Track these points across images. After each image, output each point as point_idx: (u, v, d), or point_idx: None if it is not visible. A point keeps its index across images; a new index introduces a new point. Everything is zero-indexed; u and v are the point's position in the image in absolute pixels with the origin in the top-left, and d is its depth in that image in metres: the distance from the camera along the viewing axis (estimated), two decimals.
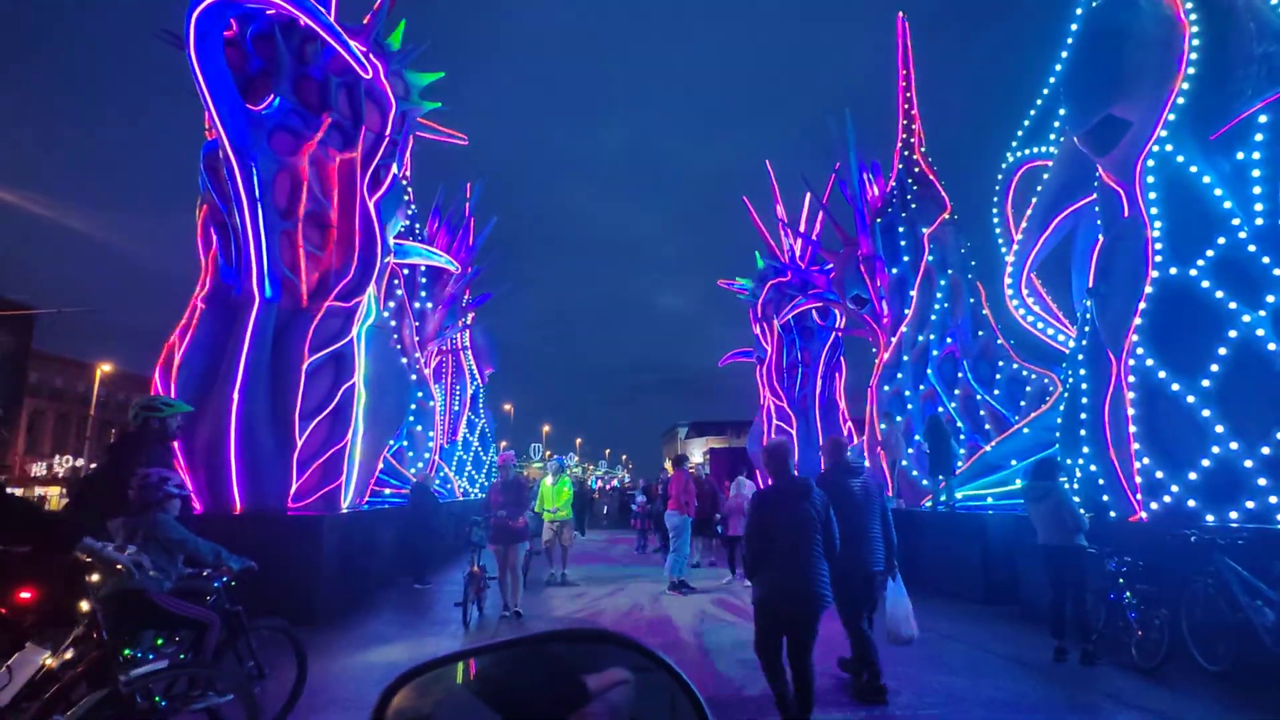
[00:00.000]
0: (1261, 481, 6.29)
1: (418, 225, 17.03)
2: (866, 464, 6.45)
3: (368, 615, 8.66)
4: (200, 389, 8.71)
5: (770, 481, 4.69)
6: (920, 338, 13.54)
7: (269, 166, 9.31)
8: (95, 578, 3.65)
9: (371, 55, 10.30)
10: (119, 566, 3.64)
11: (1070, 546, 6.53)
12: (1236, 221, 6.93)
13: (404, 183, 13.50)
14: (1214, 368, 6.70)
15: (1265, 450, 6.32)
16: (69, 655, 3.51)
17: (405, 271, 15.33)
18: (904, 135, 14.96)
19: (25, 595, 4.40)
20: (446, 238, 17.68)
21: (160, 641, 4.13)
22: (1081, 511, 6.71)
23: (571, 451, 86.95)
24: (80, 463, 42.47)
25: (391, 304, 14.16)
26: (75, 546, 3.83)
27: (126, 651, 3.89)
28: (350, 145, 10.06)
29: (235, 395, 8.60)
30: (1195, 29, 7.31)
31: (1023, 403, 12.41)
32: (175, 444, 5.73)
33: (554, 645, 1.02)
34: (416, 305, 16.20)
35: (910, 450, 12.96)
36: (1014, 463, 10.99)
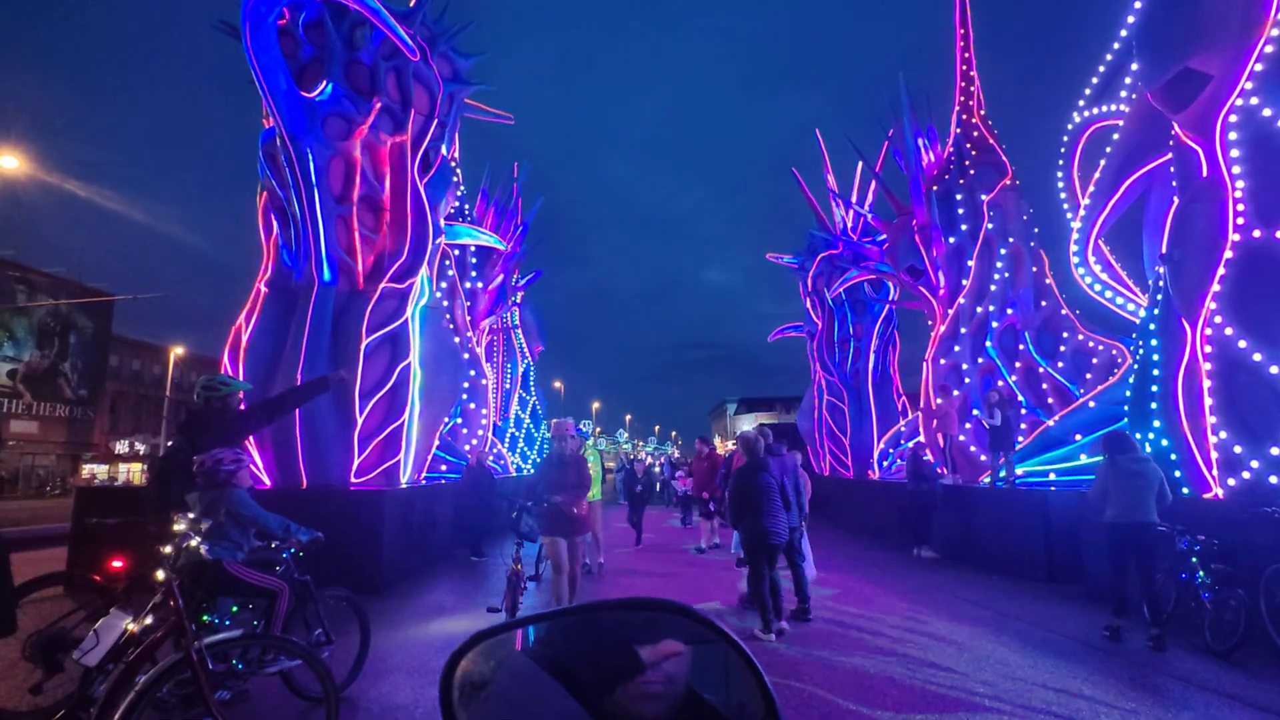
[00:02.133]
0: None
1: (466, 206, 17.25)
2: (785, 452, 7.13)
3: (427, 586, 8.96)
4: (266, 370, 9.08)
5: (744, 461, 6.83)
6: (979, 309, 13.08)
7: (323, 152, 9.55)
8: (191, 544, 3.88)
9: (418, 38, 10.40)
10: (194, 541, 3.86)
11: (1152, 523, 6.24)
12: None
13: (453, 164, 13.66)
14: None
15: None
16: (149, 621, 3.75)
17: (456, 252, 15.57)
18: (962, 98, 14.35)
19: (117, 564, 4.72)
20: (495, 218, 17.87)
21: (235, 609, 4.37)
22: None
23: (621, 429, 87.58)
24: (159, 441, 44.94)
25: (443, 284, 14.42)
26: (166, 518, 4.08)
27: (205, 617, 4.14)
28: (400, 128, 10.22)
29: (299, 376, 8.93)
30: None
31: (1089, 375, 11.92)
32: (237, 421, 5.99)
33: (611, 614, 1.04)
34: (467, 285, 16.47)
35: (968, 425, 12.62)
36: (1078, 438, 10.59)
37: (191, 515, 4.15)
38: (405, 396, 9.85)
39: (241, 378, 8.73)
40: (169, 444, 5.32)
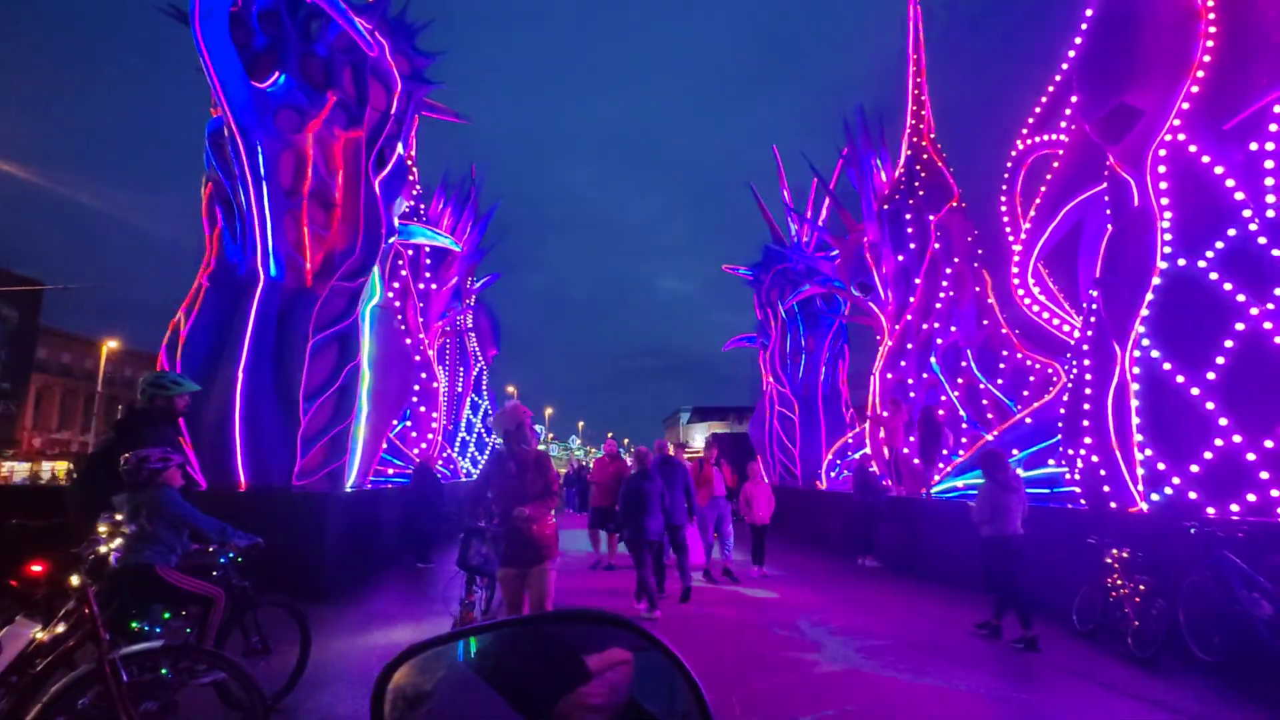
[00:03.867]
0: (1264, 475, 6.28)
1: (422, 206, 16.98)
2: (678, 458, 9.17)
3: (372, 593, 8.74)
4: (205, 367, 8.75)
5: (635, 469, 8.46)
6: (924, 326, 13.50)
7: (274, 145, 9.29)
8: (103, 550, 3.70)
9: (377, 33, 10.23)
10: (102, 548, 3.68)
11: (1017, 535, 6.83)
12: (1248, 213, 6.86)
13: (409, 163, 13.44)
14: (1220, 360, 6.67)
15: (1269, 444, 6.32)
16: (60, 629, 3.55)
17: (410, 252, 15.31)
18: (913, 121, 14.82)
19: (36, 568, 4.47)
20: (451, 218, 17.65)
21: (168, 615, 4.19)
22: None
23: (574, 435, 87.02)
24: (87, 438, 42.78)
25: (396, 285, 14.16)
26: (91, 520, 3.88)
27: (135, 624, 3.95)
28: (355, 124, 10.02)
29: (240, 374, 8.64)
30: (1212, 16, 7.21)
31: (1026, 392, 12.39)
32: (180, 422, 5.77)
33: (554, 625, 1.04)
34: (420, 286, 16.20)
35: (911, 438, 12.97)
36: (1015, 452, 10.99)
37: (117, 517, 3.96)
38: (353, 398, 9.62)
39: (178, 374, 8.40)
40: (99, 442, 5.09)
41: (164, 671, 3.74)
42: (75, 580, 3.45)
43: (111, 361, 45.67)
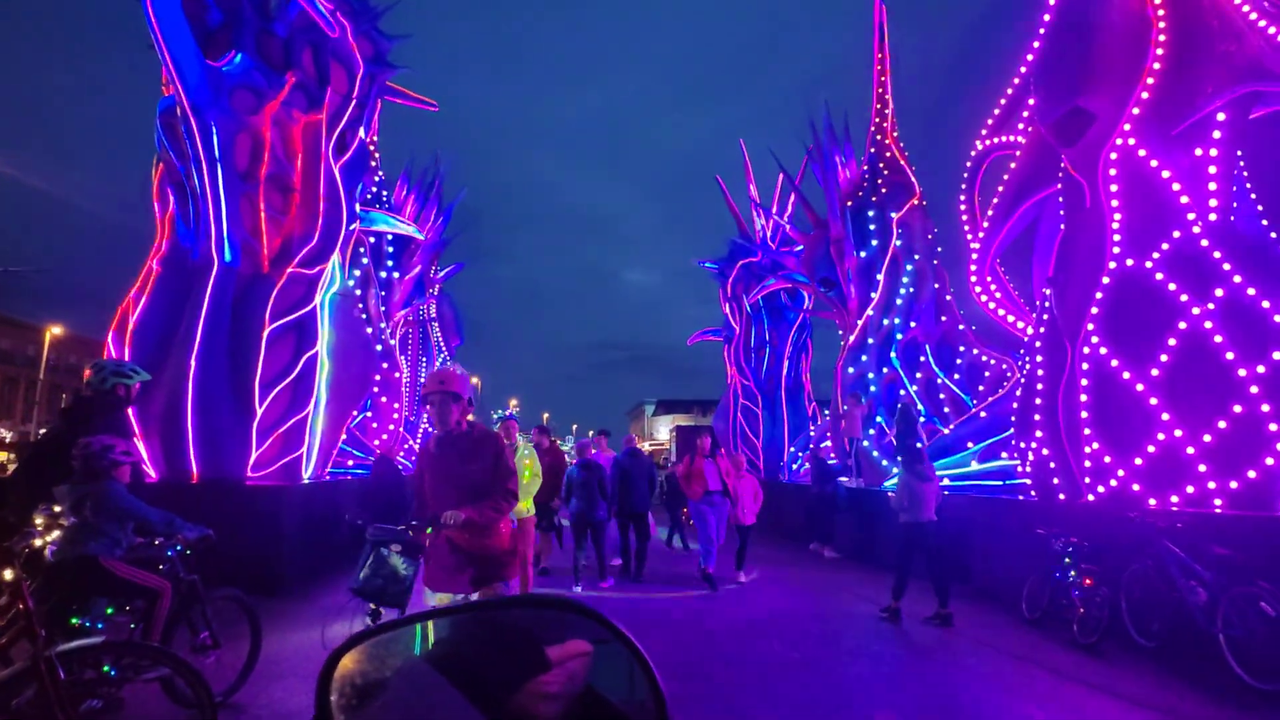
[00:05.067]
0: (1201, 468, 6.56)
1: (385, 193, 16.64)
2: (637, 453, 10.07)
3: (329, 587, 8.57)
4: (155, 355, 8.46)
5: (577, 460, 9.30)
6: (885, 321, 13.74)
7: (229, 126, 9.00)
8: (37, 543, 3.56)
9: (339, 14, 9.96)
10: (38, 541, 3.56)
11: (932, 521, 7.52)
12: (1191, 216, 7.13)
13: (371, 148, 13.16)
14: (1163, 358, 6.92)
15: (1206, 438, 6.59)
16: None
17: (371, 240, 15.00)
18: (877, 120, 15.03)
19: None
20: (415, 206, 17.33)
21: (110, 610, 4.06)
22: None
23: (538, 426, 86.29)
24: (29, 428, 41.07)
25: (357, 272, 13.86)
26: (31, 511, 3.74)
27: (75, 620, 3.82)
28: (315, 107, 9.76)
29: (192, 362, 8.39)
30: (1162, 25, 7.44)
31: (981, 387, 12.71)
32: (130, 411, 5.58)
33: (514, 612, 1.03)
34: (383, 274, 15.89)
35: (871, 431, 13.21)
36: (970, 445, 11.28)
37: (56, 509, 3.82)
38: (310, 387, 9.40)
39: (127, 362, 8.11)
40: (43, 431, 4.90)
41: (106, 669, 3.62)
42: (9, 574, 3.31)
43: (55, 348, 43.86)
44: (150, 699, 4.30)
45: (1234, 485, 6.34)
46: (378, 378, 13.91)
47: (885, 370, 13.56)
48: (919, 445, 7.97)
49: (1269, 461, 6.20)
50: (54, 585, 3.80)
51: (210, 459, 8.50)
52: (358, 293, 13.54)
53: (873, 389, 13.60)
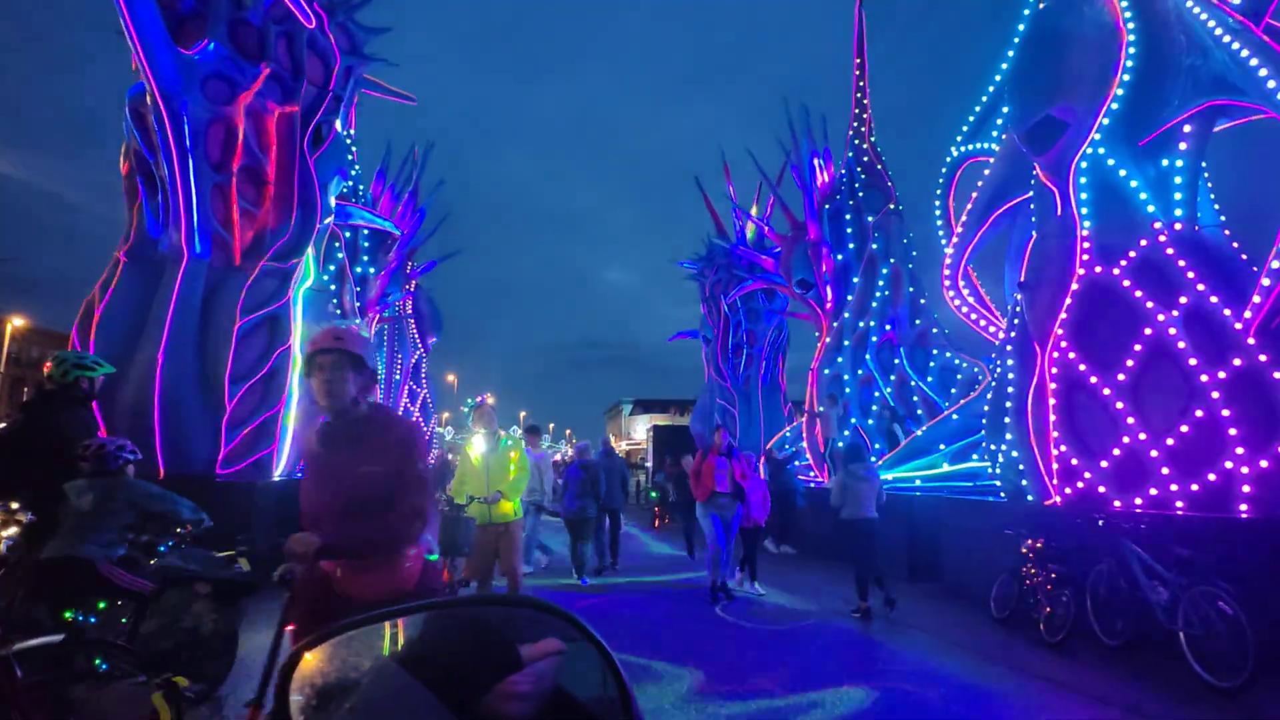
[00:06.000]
0: (1164, 471, 6.72)
1: (361, 187, 16.43)
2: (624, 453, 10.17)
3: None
4: (122, 348, 8.26)
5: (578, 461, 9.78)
6: (861, 324, 13.89)
7: (201, 115, 8.82)
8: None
9: (315, 5, 9.82)
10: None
11: (872, 519, 7.77)
12: (1158, 225, 7.31)
13: (348, 141, 12.99)
14: (1129, 363, 7.08)
15: (1169, 441, 6.75)
16: None
17: (347, 234, 14.81)
18: (855, 124, 15.19)
19: None
20: (391, 201, 17.14)
21: (103, 605, 4.04)
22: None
23: (515, 425, 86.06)
24: None
25: (331, 267, 13.68)
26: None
27: (68, 614, 3.84)
28: (290, 98, 9.60)
29: (160, 356, 8.21)
30: (1132, 38, 7.61)
31: (953, 390, 12.90)
32: (94, 405, 5.45)
33: (469, 610, 1.02)
34: (358, 270, 15.69)
35: (846, 432, 13.35)
36: (942, 447, 11.45)
37: (13, 505, 3.80)
38: (283, 383, 9.25)
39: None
40: (2, 425, 4.79)
41: (98, 663, 3.62)
42: None
43: (16, 340, 42.68)
44: (115, 697, 4.22)
45: (1195, 487, 6.50)
46: None
47: (860, 372, 13.71)
48: (861, 446, 8.43)
49: (1228, 465, 6.38)
50: (51, 581, 3.80)
51: (177, 454, 8.33)
52: (332, 288, 13.36)
53: (848, 390, 13.74)
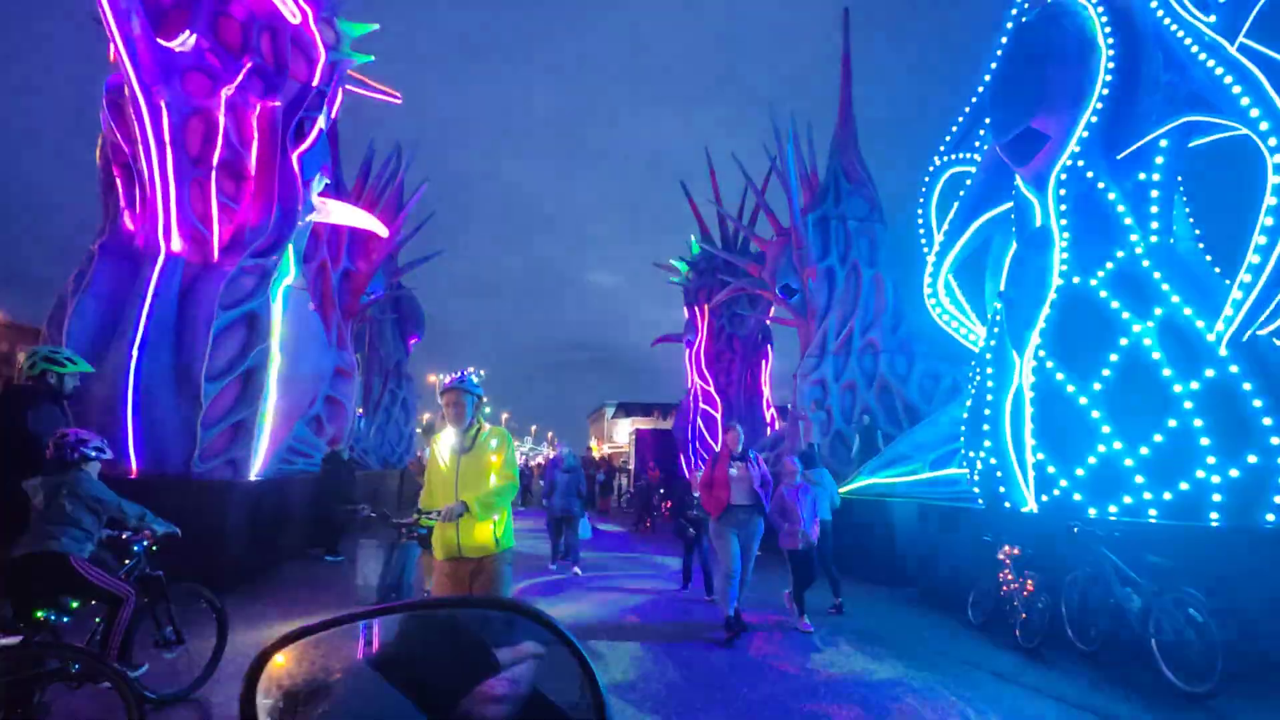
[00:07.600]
0: (1139, 479, 6.82)
1: (345, 184, 16.28)
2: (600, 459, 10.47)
3: (277, 586, 8.35)
4: (96, 344, 8.12)
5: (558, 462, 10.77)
6: (844, 329, 14.00)
7: (180, 108, 8.70)
8: None
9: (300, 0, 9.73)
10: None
11: (829, 521, 8.17)
12: (1134, 237, 7.43)
13: (331, 138, 12.85)
14: (1105, 372, 7.19)
15: (1144, 450, 6.86)
16: None
17: (328, 232, 14.66)
18: (841, 132, 15.32)
19: None
20: (375, 199, 16.99)
21: (76, 605, 3.96)
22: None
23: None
24: None
25: (312, 265, 13.53)
26: None
27: (40, 613, 3.77)
28: (273, 93, 9.49)
29: (134, 352, 8.06)
30: (1111, 53, 7.75)
31: (933, 397, 13.03)
32: (66, 402, 5.35)
33: (444, 611, 1.00)
34: (340, 268, 15.53)
35: (826, 439, 13.43)
36: (922, 453, 11.54)
37: (36, 506, 3.76)
38: (261, 381, 9.12)
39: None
40: None
41: (71, 664, 3.57)
42: None
43: None
44: (78, 700, 4.13)
45: (1167, 496, 6.61)
46: (331, 373, 13.57)
47: (842, 379, 13.81)
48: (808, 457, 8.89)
49: (1200, 474, 6.49)
50: (21, 578, 3.74)
51: (152, 453, 8.19)
52: (313, 285, 13.21)
53: (830, 396, 13.83)
